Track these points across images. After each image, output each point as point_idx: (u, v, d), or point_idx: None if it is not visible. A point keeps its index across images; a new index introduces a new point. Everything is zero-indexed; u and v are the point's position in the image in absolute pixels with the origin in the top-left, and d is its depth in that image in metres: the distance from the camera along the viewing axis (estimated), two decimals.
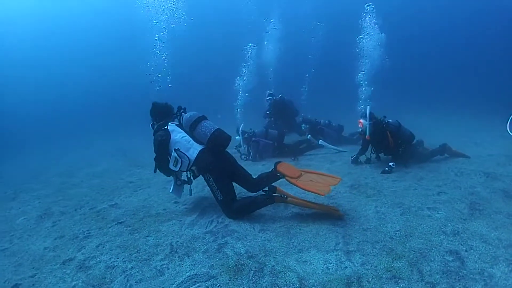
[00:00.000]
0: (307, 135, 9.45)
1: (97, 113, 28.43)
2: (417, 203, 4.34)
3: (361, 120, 6.69)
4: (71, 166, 10.64)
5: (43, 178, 9.28)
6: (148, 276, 3.00)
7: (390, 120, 6.55)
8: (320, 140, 8.87)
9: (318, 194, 3.94)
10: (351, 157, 7.13)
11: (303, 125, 10.05)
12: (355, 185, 5.41)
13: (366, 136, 6.60)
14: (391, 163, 6.18)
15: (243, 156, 8.53)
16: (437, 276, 2.65)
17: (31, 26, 36.29)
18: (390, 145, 6.44)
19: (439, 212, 3.98)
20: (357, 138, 9.05)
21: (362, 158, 7.06)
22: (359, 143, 7.65)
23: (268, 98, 10.85)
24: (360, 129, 6.82)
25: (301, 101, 13.86)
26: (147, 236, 3.90)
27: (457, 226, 3.56)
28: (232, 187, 4.40)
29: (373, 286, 2.58)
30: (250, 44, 11.68)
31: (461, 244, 3.15)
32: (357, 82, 9.15)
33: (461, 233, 3.39)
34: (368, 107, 6.56)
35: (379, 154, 6.81)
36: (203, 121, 4.45)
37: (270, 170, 4.61)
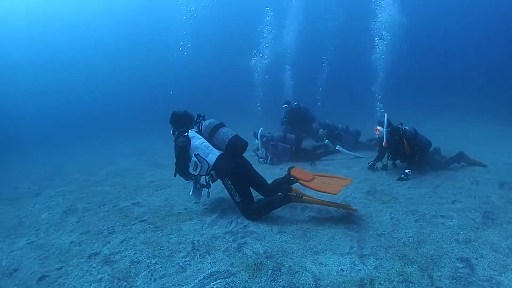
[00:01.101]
0: (325, 140, 9.57)
1: (118, 114, 28.98)
2: (431, 210, 4.44)
3: (379, 128, 6.78)
4: (92, 165, 10.98)
5: (66, 175, 9.63)
6: (171, 271, 3.19)
7: (407, 128, 6.63)
8: (338, 146, 8.98)
9: (331, 193, 4.15)
10: (368, 163, 7.23)
11: (321, 130, 10.15)
12: (371, 191, 5.53)
13: (383, 143, 6.69)
14: (407, 170, 6.26)
15: (261, 160, 8.71)
16: (447, 282, 2.77)
17: (48, 26, 37.28)
18: (407, 152, 6.52)
19: (453, 220, 4.08)
20: (374, 144, 9.12)
21: (379, 164, 7.15)
22: (376, 149, 7.73)
23: (284, 106, 10.95)
24: (377, 136, 6.92)
25: (316, 105, 13.93)
26: (170, 234, 4.11)
27: (469, 234, 3.66)
28: (249, 189, 4.60)
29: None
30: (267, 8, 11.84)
31: (472, 252, 3.26)
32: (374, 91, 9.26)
33: (473, 241, 3.49)
34: (385, 114, 6.65)
35: (396, 161, 6.89)
36: (221, 128, 4.70)
37: (284, 175, 4.79)
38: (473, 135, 10.87)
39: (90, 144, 17.49)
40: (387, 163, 7.02)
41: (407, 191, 5.42)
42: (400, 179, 6.15)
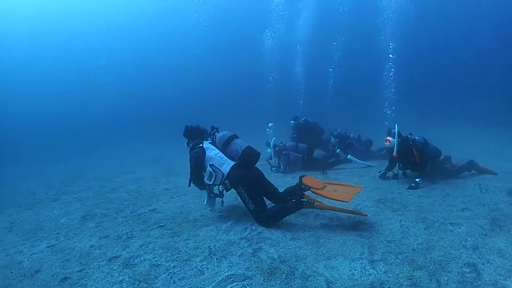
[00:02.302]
0: (336, 149, 9.69)
1: (134, 124, 29.58)
2: (441, 218, 4.55)
3: (389, 138, 6.91)
4: (109, 172, 11.26)
5: (82, 182, 9.91)
6: (190, 274, 3.37)
7: (416, 137, 6.74)
8: (349, 155, 9.11)
9: (343, 201, 4.31)
10: (379, 172, 7.34)
11: (332, 139, 10.27)
12: (382, 199, 5.65)
13: (394, 154, 6.80)
14: (417, 179, 6.36)
15: (273, 168, 8.89)
16: (454, 286, 2.89)
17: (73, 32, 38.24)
18: (417, 162, 6.62)
19: (461, 227, 4.19)
20: (385, 153, 9.22)
21: (390, 173, 7.25)
22: (387, 158, 7.84)
23: (291, 121, 10.99)
24: (388, 147, 7.03)
25: (325, 115, 13.97)
26: (187, 240, 4.29)
27: (477, 241, 3.77)
28: (262, 197, 4.79)
29: None
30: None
31: (479, 258, 3.37)
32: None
33: (480, 247, 3.60)
34: (396, 125, 6.77)
35: (406, 171, 6.99)
36: (235, 140, 4.94)
37: (296, 183, 4.95)
38: (485, 144, 10.86)
39: (106, 153, 17.92)
40: (398, 172, 7.12)
41: (417, 199, 5.53)
42: (411, 187, 6.26)
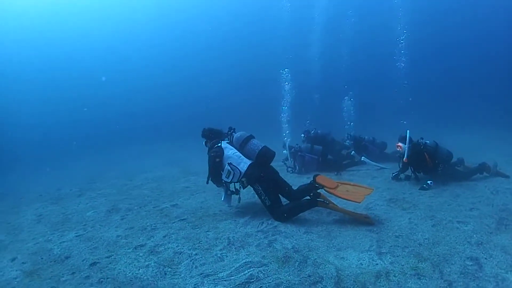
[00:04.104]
0: (351, 151, 9.88)
1: (153, 126, 30.31)
2: (449, 216, 4.74)
3: (400, 144, 7.07)
4: (129, 171, 11.73)
5: (105, 180, 10.36)
6: (210, 261, 3.68)
7: (427, 142, 6.89)
8: (363, 157, 9.30)
9: (354, 201, 4.58)
10: (392, 173, 7.51)
11: (347, 141, 10.46)
12: (393, 199, 5.86)
13: (404, 159, 6.97)
14: (429, 181, 6.52)
15: (289, 169, 9.16)
16: (455, 276, 3.11)
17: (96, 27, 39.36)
18: (429, 165, 6.77)
19: (468, 225, 4.38)
20: (399, 156, 9.34)
21: (402, 175, 7.40)
22: (399, 163, 7.97)
23: (302, 135, 10.86)
24: (399, 153, 7.21)
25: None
26: (207, 231, 4.61)
27: (482, 237, 3.96)
28: (277, 194, 5.07)
29: (399, 279, 3.09)
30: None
31: (482, 253, 3.57)
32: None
33: (485, 243, 3.80)
34: (407, 130, 6.93)
35: (418, 174, 7.13)
36: (251, 140, 5.26)
37: (309, 182, 5.24)
38: (499, 146, 10.86)
39: (126, 153, 18.50)
40: (411, 175, 7.27)
41: (428, 199, 5.72)
42: (422, 188, 6.43)
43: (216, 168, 5.19)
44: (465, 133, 14.85)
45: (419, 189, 6.46)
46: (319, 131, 10.83)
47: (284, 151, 9.42)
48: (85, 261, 3.96)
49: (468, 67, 30.71)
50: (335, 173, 8.60)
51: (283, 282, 3.09)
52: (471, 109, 21.09)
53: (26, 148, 22.20)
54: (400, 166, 7.35)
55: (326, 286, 3.02)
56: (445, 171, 6.81)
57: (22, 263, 4.11)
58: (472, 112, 20.20)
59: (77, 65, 38.40)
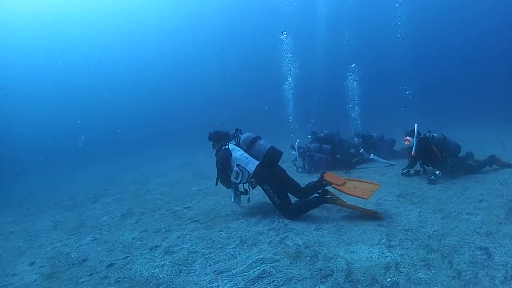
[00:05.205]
0: (360, 149, 9.92)
1: (163, 132, 30.71)
2: (458, 209, 4.79)
3: (408, 138, 7.11)
4: (141, 177, 11.90)
5: (118, 185, 10.53)
6: (224, 258, 3.78)
7: (435, 135, 6.92)
8: (372, 154, 9.33)
9: (362, 198, 4.65)
10: (402, 169, 7.54)
11: (356, 139, 10.50)
12: (402, 194, 5.91)
13: (412, 153, 7.00)
14: (437, 172, 6.55)
15: (298, 169, 9.25)
16: (464, 265, 3.16)
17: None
18: (438, 157, 6.79)
19: (477, 216, 4.42)
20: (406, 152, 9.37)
21: (411, 171, 7.42)
22: (407, 157, 8.00)
23: (309, 135, 10.95)
24: (407, 146, 7.24)
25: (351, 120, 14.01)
26: (220, 231, 4.71)
27: (491, 228, 4.00)
28: (286, 193, 5.15)
29: (408, 270, 3.15)
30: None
31: (491, 242, 3.61)
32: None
33: (494, 233, 3.84)
34: (415, 124, 6.96)
35: (426, 168, 7.15)
36: (259, 140, 5.34)
37: (317, 179, 5.30)
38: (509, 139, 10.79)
39: (140, 159, 18.74)
40: (419, 170, 7.30)
41: (437, 193, 5.76)
42: (431, 181, 6.45)
43: (226, 170, 5.28)
44: (474, 127, 14.77)
45: (428, 183, 6.50)
46: (325, 131, 10.90)
47: (293, 152, 9.50)
48: (102, 262, 4.09)
49: (479, 62, 30.45)
50: (344, 171, 8.64)
51: (294, 276, 3.18)
52: (480, 104, 20.92)
53: (38, 156, 22.57)
54: (409, 161, 7.37)
55: (337, 279, 3.09)
56: (454, 164, 6.82)
57: (41, 267, 4.25)
58: (481, 107, 20.04)
59: (90, 72, 39.17)
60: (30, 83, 37.15)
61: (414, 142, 6.94)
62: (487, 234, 3.84)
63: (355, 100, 14.27)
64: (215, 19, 40.16)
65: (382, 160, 9.20)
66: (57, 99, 36.91)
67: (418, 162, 7.21)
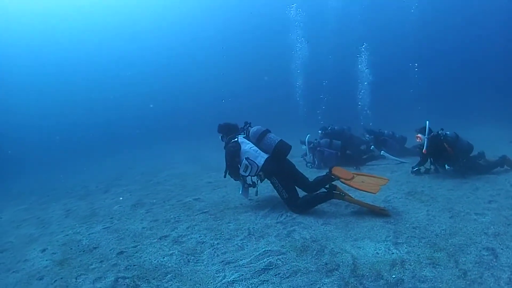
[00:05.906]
0: (371, 145, 9.89)
1: (174, 125, 31.01)
2: (467, 209, 4.77)
3: (419, 135, 7.07)
4: (152, 169, 12.07)
5: (130, 177, 10.68)
6: (232, 249, 3.86)
7: (448, 132, 6.87)
8: (382, 151, 9.30)
9: (370, 192, 4.67)
10: (412, 167, 7.51)
11: (367, 135, 10.46)
12: (411, 192, 5.90)
13: (423, 151, 6.97)
14: (447, 166, 6.53)
15: (308, 164, 9.25)
16: (470, 265, 3.17)
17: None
18: (450, 154, 6.74)
19: (486, 217, 4.41)
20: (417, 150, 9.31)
21: (422, 168, 7.40)
22: (419, 155, 7.96)
23: (319, 131, 10.87)
24: (419, 144, 7.21)
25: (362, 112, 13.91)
26: (228, 223, 4.79)
27: (500, 229, 4.00)
28: (294, 187, 5.19)
29: (414, 268, 3.18)
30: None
31: (499, 243, 3.61)
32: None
33: (502, 235, 3.83)
34: (427, 122, 6.92)
35: (438, 167, 7.12)
36: (268, 134, 5.37)
37: (325, 173, 5.32)
38: None
39: (151, 152, 18.96)
40: (430, 168, 7.26)
41: (446, 192, 5.74)
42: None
43: (235, 163, 5.33)
44: (486, 127, 14.58)
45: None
46: (336, 127, 10.86)
47: (303, 146, 9.51)
48: (112, 250, 4.21)
49: (491, 60, 29.98)
50: (354, 167, 8.64)
51: (300, 269, 3.23)
52: (492, 103, 20.63)
53: (52, 148, 23.01)
54: (420, 157, 7.35)
55: (342, 273, 3.14)
56: (465, 163, 6.77)
57: (52, 253, 4.39)
58: (493, 107, 19.76)
59: (99, 67, 39.59)
60: (47, 76, 37.74)
61: (426, 139, 6.90)
62: (494, 235, 3.84)
63: (364, 87, 14.08)
64: (224, 13, 40.21)
65: (392, 157, 9.17)
66: (70, 94, 37.45)
67: (430, 160, 7.18)
